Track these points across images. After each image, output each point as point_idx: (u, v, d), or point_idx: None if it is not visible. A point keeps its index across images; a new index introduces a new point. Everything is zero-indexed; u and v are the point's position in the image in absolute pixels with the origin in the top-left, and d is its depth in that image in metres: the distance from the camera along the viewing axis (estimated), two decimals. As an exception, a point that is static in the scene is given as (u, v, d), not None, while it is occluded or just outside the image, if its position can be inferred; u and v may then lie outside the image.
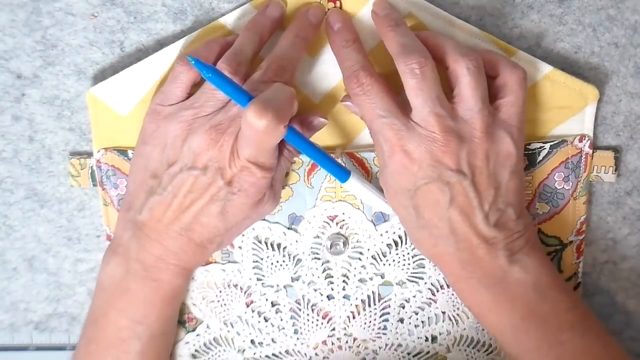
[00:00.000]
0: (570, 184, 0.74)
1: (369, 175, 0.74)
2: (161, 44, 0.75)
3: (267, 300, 0.77)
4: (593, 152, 0.75)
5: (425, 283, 0.76)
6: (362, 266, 0.76)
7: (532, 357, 0.67)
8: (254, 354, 0.78)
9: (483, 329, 0.77)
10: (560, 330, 0.67)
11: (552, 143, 0.74)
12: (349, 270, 0.76)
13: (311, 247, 0.75)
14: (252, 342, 0.78)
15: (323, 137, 0.74)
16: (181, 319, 0.78)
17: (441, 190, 0.66)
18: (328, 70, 0.73)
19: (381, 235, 0.75)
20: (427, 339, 0.77)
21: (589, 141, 0.74)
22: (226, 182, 0.66)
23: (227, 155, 0.66)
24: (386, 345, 0.77)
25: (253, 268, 0.76)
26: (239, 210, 0.68)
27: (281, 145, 0.69)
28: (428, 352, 0.78)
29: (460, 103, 0.66)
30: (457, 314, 0.76)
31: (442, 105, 0.65)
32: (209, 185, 0.66)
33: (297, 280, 0.76)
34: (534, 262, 0.68)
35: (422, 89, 0.65)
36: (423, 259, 0.75)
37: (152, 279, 0.70)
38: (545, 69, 0.73)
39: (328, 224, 0.75)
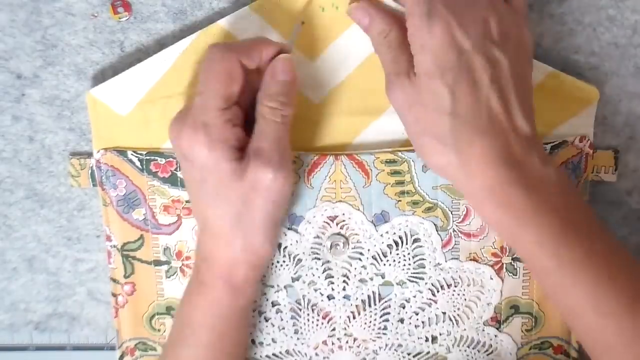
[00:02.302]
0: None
1: (369, 178, 0.74)
2: (161, 44, 0.75)
3: (267, 300, 0.77)
4: (593, 153, 0.75)
5: (426, 283, 0.76)
6: (363, 266, 0.76)
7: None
8: (255, 353, 0.78)
9: (483, 330, 0.77)
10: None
11: (552, 144, 0.74)
12: (349, 271, 0.76)
13: (311, 247, 0.75)
14: (253, 341, 0.78)
15: (323, 138, 0.74)
16: (181, 319, 0.78)
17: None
18: (327, 72, 0.73)
19: (381, 235, 0.75)
20: (427, 339, 0.77)
21: (589, 141, 0.74)
22: (185, 157, 0.66)
23: (176, 125, 0.67)
24: (386, 345, 0.77)
25: (253, 268, 0.76)
26: (225, 187, 0.66)
27: (262, 94, 0.67)
28: (428, 353, 0.78)
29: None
30: (458, 315, 0.76)
31: None
32: (185, 168, 0.68)
33: (298, 280, 0.76)
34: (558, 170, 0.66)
35: None
36: (424, 259, 0.75)
37: (198, 280, 0.70)
38: (545, 70, 0.73)
39: (328, 224, 0.75)
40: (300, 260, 0.76)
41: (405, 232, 0.75)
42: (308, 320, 0.77)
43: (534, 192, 0.63)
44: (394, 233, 0.75)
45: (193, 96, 0.67)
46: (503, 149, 0.63)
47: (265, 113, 0.67)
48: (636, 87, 0.76)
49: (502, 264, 0.75)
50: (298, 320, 0.77)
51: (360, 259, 0.76)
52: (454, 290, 0.76)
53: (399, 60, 0.65)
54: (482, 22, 0.63)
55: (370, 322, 0.77)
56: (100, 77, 0.75)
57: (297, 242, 0.75)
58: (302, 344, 0.78)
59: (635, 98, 0.76)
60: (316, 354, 0.78)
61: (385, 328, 0.77)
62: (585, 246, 0.64)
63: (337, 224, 0.75)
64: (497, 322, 0.77)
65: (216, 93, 0.65)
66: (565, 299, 0.65)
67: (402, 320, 0.77)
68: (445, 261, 0.75)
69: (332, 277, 0.76)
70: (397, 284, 0.76)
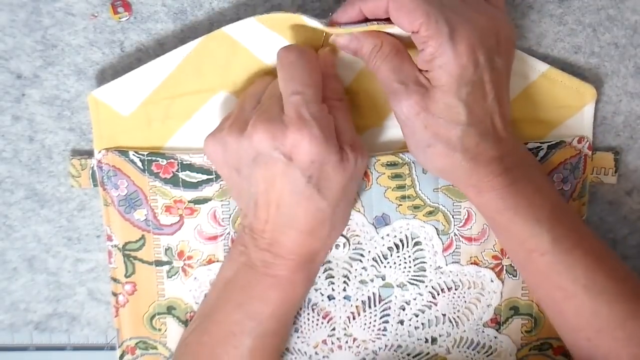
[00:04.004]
0: (569, 185, 0.75)
1: (369, 181, 0.74)
2: (161, 44, 0.75)
3: (267, 299, 0.77)
4: (593, 154, 0.75)
5: (426, 286, 0.76)
6: (363, 267, 0.76)
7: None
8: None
9: (483, 331, 0.77)
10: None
11: (549, 144, 0.74)
12: (349, 272, 0.76)
13: (312, 248, 0.76)
14: (253, 340, 0.78)
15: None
16: (184, 318, 0.78)
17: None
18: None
19: (382, 238, 0.75)
20: (427, 341, 0.78)
21: (587, 142, 0.74)
22: (287, 157, 0.65)
23: (273, 126, 0.65)
24: (386, 346, 0.78)
25: (254, 268, 0.76)
26: (329, 180, 0.67)
27: (324, 91, 0.69)
28: (428, 354, 0.78)
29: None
30: (458, 316, 0.77)
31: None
32: (278, 170, 0.66)
33: (298, 280, 0.76)
34: None
35: None
36: (424, 262, 0.75)
37: (271, 275, 0.70)
38: (542, 67, 0.73)
39: (329, 225, 0.75)
40: (300, 260, 0.76)
41: (406, 235, 0.75)
42: (308, 319, 0.77)
43: (527, 176, 0.68)
44: (395, 236, 0.75)
45: (246, 101, 0.70)
46: (499, 145, 0.67)
47: (337, 107, 0.69)
48: (636, 87, 0.76)
49: (503, 266, 0.75)
50: (298, 319, 0.78)
51: (360, 260, 0.76)
52: (454, 293, 0.76)
53: (400, 69, 0.66)
54: (490, 34, 0.65)
55: (370, 322, 0.77)
56: (100, 77, 0.75)
57: (297, 242, 0.75)
58: (302, 342, 0.78)
59: (635, 98, 0.76)
60: (316, 353, 0.79)
61: (385, 329, 0.77)
62: (576, 226, 0.69)
63: (337, 225, 0.75)
64: (497, 323, 0.77)
65: (316, 88, 0.67)
66: (559, 279, 0.68)
67: (402, 322, 0.77)
68: (446, 265, 0.75)
69: (333, 277, 0.76)
70: (397, 286, 0.76)
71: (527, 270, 0.71)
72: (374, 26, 0.67)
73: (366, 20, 0.67)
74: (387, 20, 0.66)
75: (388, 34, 0.68)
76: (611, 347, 0.68)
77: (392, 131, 0.74)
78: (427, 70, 0.65)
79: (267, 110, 0.67)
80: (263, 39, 0.72)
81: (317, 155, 0.65)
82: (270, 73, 0.72)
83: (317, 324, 0.78)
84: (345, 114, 0.70)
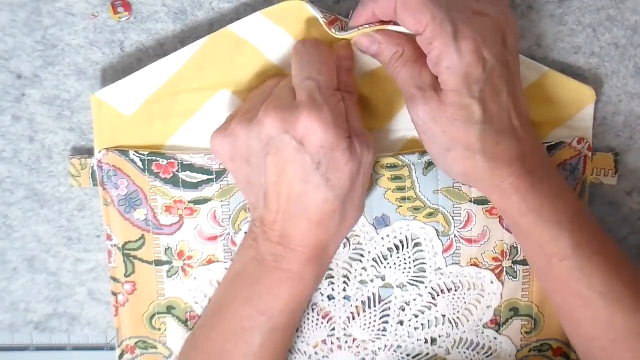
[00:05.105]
0: (569, 185, 0.75)
1: (369, 180, 0.74)
2: (161, 43, 0.75)
3: (267, 299, 0.77)
4: (592, 155, 0.75)
5: (426, 287, 0.76)
6: (363, 268, 0.76)
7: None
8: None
9: (483, 332, 0.77)
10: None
11: (549, 144, 0.74)
12: (349, 272, 0.76)
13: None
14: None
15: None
16: (183, 318, 0.78)
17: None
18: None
19: (382, 238, 0.75)
20: (426, 341, 0.78)
21: (587, 143, 0.74)
22: (298, 141, 0.65)
23: (284, 111, 0.65)
24: (385, 346, 0.78)
25: (255, 267, 0.76)
26: (337, 169, 0.66)
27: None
28: (427, 354, 0.78)
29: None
30: (457, 317, 0.77)
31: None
32: (288, 155, 0.66)
33: (298, 280, 0.76)
34: None
35: None
36: (424, 263, 0.75)
37: (282, 269, 0.69)
38: (541, 70, 0.73)
39: (328, 225, 0.75)
40: (300, 259, 0.76)
41: (406, 236, 0.75)
42: (308, 319, 0.78)
43: (549, 179, 0.68)
44: (395, 237, 0.75)
45: (256, 96, 0.70)
46: (519, 143, 0.66)
47: (347, 98, 0.69)
48: (636, 87, 0.76)
49: (502, 267, 0.76)
50: (298, 319, 0.78)
51: (360, 261, 0.76)
52: (454, 294, 0.76)
53: (417, 75, 0.66)
54: (494, 30, 0.65)
55: (370, 323, 0.77)
56: (100, 77, 0.75)
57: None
58: (302, 342, 0.78)
59: (635, 98, 0.76)
60: (315, 353, 0.79)
61: (384, 329, 0.77)
62: (596, 231, 0.69)
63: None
64: (497, 324, 0.77)
65: (329, 76, 0.67)
66: (576, 285, 0.68)
67: (401, 322, 0.77)
68: (446, 266, 0.75)
69: (333, 277, 0.76)
70: (397, 286, 0.76)
71: (545, 276, 0.70)
72: (373, 28, 0.67)
73: (381, 22, 0.67)
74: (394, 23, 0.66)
75: (410, 40, 0.67)
76: (625, 358, 0.68)
77: (394, 134, 0.74)
78: (437, 76, 0.65)
79: (278, 97, 0.67)
80: (269, 35, 0.72)
81: (327, 140, 0.64)
82: (275, 72, 0.72)
83: (316, 324, 0.78)
84: (355, 106, 0.69)
